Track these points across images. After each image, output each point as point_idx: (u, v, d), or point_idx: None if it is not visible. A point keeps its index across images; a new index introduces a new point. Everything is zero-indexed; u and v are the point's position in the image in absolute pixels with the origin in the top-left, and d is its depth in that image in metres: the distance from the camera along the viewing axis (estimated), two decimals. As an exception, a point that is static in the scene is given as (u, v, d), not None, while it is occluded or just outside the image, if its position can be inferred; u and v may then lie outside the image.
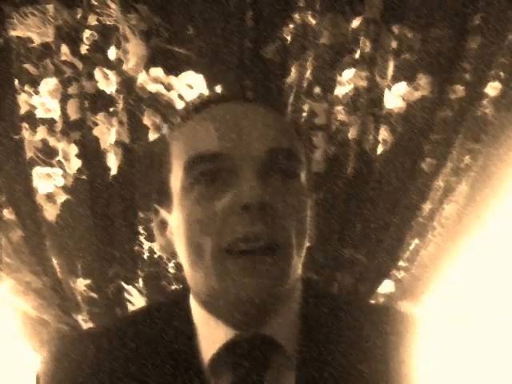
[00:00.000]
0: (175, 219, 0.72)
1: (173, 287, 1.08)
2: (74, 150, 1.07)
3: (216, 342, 0.71)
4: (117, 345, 0.75)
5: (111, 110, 1.09)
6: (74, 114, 1.06)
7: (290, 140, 0.73)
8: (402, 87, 1.10)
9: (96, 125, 1.09)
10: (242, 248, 0.65)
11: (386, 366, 0.72)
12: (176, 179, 0.72)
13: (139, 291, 1.09)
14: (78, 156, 1.07)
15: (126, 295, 1.08)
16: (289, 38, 1.09)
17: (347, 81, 1.10)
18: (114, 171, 1.08)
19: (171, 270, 1.10)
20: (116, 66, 1.07)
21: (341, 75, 1.10)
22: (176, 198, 0.72)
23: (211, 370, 0.71)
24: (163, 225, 0.77)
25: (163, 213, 0.77)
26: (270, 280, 0.66)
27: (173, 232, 0.74)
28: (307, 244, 0.74)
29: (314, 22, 1.07)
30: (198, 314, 0.74)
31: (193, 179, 0.69)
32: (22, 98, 1.08)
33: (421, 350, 0.75)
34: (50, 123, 1.09)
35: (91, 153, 1.08)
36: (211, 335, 0.72)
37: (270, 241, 0.66)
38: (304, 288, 0.77)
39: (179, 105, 1.09)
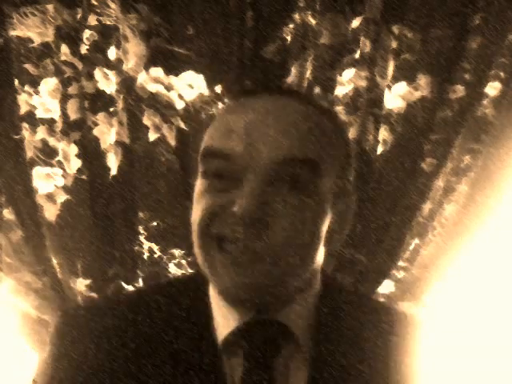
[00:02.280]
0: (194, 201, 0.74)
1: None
2: (73, 149, 1.07)
3: (231, 323, 0.72)
4: (126, 322, 0.75)
5: (111, 109, 1.09)
6: (73, 114, 1.06)
7: (310, 147, 0.67)
8: (401, 87, 1.10)
9: (96, 125, 1.09)
10: (225, 247, 0.66)
11: (396, 368, 0.73)
12: (198, 165, 0.73)
13: (139, 291, 1.09)
14: (78, 156, 1.07)
15: (126, 295, 1.08)
16: (289, 38, 1.09)
17: (347, 81, 1.10)
18: (114, 171, 1.08)
19: (171, 270, 1.10)
20: (116, 65, 1.07)
21: (341, 75, 1.10)
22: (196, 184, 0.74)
23: (224, 350, 0.72)
24: None
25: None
26: (255, 281, 0.66)
27: None
28: (330, 248, 0.73)
29: (313, 21, 1.07)
30: (214, 295, 0.75)
31: (203, 171, 0.70)
32: (22, 98, 1.08)
33: (422, 350, 0.76)
34: (49, 123, 1.09)
35: (91, 153, 1.08)
36: (226, 316, 0.73)
37: (256, 250, 0.65)
38: (324, 288, 0.77)
39: (179, 105, 1.09)
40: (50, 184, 1.09)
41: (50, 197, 1.08)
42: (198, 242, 0.68)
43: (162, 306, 0.76)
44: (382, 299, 1.11)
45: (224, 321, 0.73)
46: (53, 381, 0.73)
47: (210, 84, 1.08)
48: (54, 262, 1.08)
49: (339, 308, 0.76)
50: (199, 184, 0.70)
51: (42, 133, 1.09)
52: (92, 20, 1.07)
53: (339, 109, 1.10)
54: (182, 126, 1.08)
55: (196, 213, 0.69)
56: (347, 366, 0.72)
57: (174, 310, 0.75)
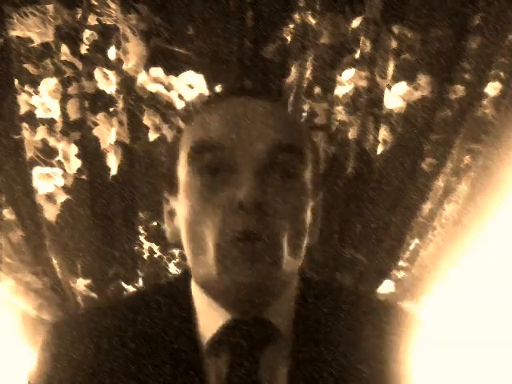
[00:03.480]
0: (180, 207, 0.74)
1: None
2: (73, 149, 1.07)
3: (215, 323, 0.73)
4: (115, 324, 0.77)
5: (111, 109, 1.09)
6: (73, 114, 1.06)
7: (293, 136, 0.74)
8: (402, 87, 1.10)
9: (96, 125, 1.09)
10: (238, 245, 0.68)
11: (379, 358, 0.74)
12: (182, 169, 0.74)
13: (139, 291, 1.08)
14: (78, 156, 1.07)
15: (126, 295, 1.08)
16: (289, 38, 1.09)
17: (347, 81, 1.10)
18: (114, 171, 1.08)
19: (171, 270, 1.10)
20: (116, 66, 1.07)
21: (341, 75, 1.10)
22: (181, 187, 0.74)
23: (209, 351, 0.74)
24: (172, 213, 0.79)
25: (172, 202, 0.79)
26: (261, 270, 0.68)
27: (178, 219, 0.76)
28: (309, 242, 0.76)
29: (313, 21, 1.07)
30: (199, 297, 0.77)
31: (195, 170, 0.71)
32: (22, 98, 1.08)
33: (418, 348, 0.76)
34: (50, 123, 1.09)
35: (91, 153, 1.08)
36: (211, 317, 0.74)
37: (263, 236, 0.68)
38: (301, 282, 0.80)
39: (179, 105, 1.09)
40: (50, 184, 1.09)
41: (50, 197, 1.08)
42: (215, 242, 0.69)
43: (146, 311, 0.77)
44: (382, 299, 1.11)
45: (209, 322, 0.74)
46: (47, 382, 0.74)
47: (210, 84, 1.08)
48: (54, 262, 1.08)
49: (318, 301, 0.78)
50: (191, 183, 0.71)
51: (42, 133, 1.09)
52: (92, 20, 1.07)
53: (339, 109, 1.10)
54: (182, 125, 1.08)
55: (202, 213, 0.70)
56: (329, 357, 0.74)
57: (158, 315, 0.76)
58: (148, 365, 0.72)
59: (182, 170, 0.74)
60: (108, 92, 1.09)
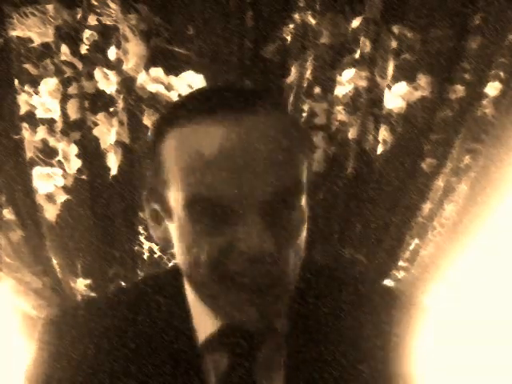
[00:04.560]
0: (175, 231, 0.69)
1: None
2: (74, 149, 1.07)
3: (212, 324, 0.73)
4: (109, 319, 0.76)
5: (111, 109, 1.09)
6: (74, 114, 1.06)
7: (296, 169, 0.66)
8: (402, 87, 1.10)
9: (96, 125, 1.09)
10: (238, 281, 0.65)
11: (377, 344, 0.74)
12: (175, 200, 0.67)
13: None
14: (78, 156, 1.07)
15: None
16: (289, 38, 1.09)
17: (347, 81, 1.10)
18: (114, 171, 1.08)
19: (171, 270, 1.10)
20: (116, 66, 1.07)
21: (341, 75, 1.10)
22: (176, 216, 0.68)
23: (206, 348, 0.74)
24: (159, 217, 0.73)
25: (155, 205, 0.73)
26: (260, 312, 0.66)
27: (172, 235, 0.71)
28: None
29: (313, 21, 1.07)
30: (193, 299, 0.75)
31: (193, 215, 0.65)
32: (22, 98, 1.08)
33: (420, 342, 0.76)
34: (50, 123, 1.09)
35: (91, 153, 1.08)
36: (206, 318, 0.73)
37: (267, 282, 0.65)
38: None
39: (179, 105, 1.09)
40: (49, 184, 1.09)
41: (50, 197, 1.08)
42: (211, 279, 0.66)
43: (141, 307, 0.76)
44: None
45: (204, 322, 0.74)
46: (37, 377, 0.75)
47: (210, 84, 1.08)
48: (54, 262, 1.08)
49: (313, 295, 0.77)
50: (189, 227, 0.66)
51: (42, 133, 1.09)
52: (92, 20, 1.07)
53: (339, 109, 1.10)
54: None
55: (198, 253, 0.66)
56: (325, 352, 0.74)
57: (153, 311, 0.75)
58: (145, 361, 0.72)
59: (175, 201, 0.66)
60: (108, 92, 1.09)
